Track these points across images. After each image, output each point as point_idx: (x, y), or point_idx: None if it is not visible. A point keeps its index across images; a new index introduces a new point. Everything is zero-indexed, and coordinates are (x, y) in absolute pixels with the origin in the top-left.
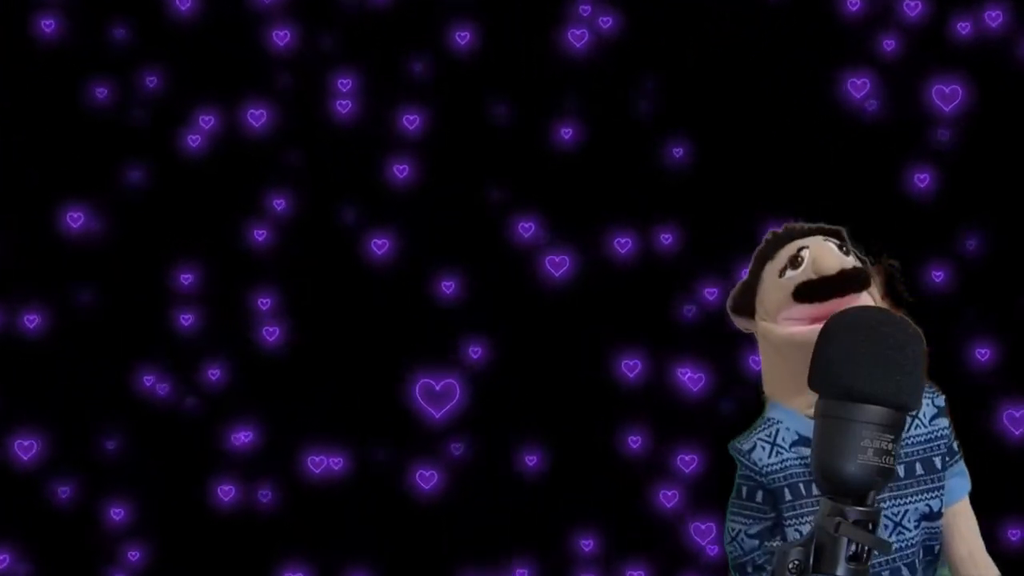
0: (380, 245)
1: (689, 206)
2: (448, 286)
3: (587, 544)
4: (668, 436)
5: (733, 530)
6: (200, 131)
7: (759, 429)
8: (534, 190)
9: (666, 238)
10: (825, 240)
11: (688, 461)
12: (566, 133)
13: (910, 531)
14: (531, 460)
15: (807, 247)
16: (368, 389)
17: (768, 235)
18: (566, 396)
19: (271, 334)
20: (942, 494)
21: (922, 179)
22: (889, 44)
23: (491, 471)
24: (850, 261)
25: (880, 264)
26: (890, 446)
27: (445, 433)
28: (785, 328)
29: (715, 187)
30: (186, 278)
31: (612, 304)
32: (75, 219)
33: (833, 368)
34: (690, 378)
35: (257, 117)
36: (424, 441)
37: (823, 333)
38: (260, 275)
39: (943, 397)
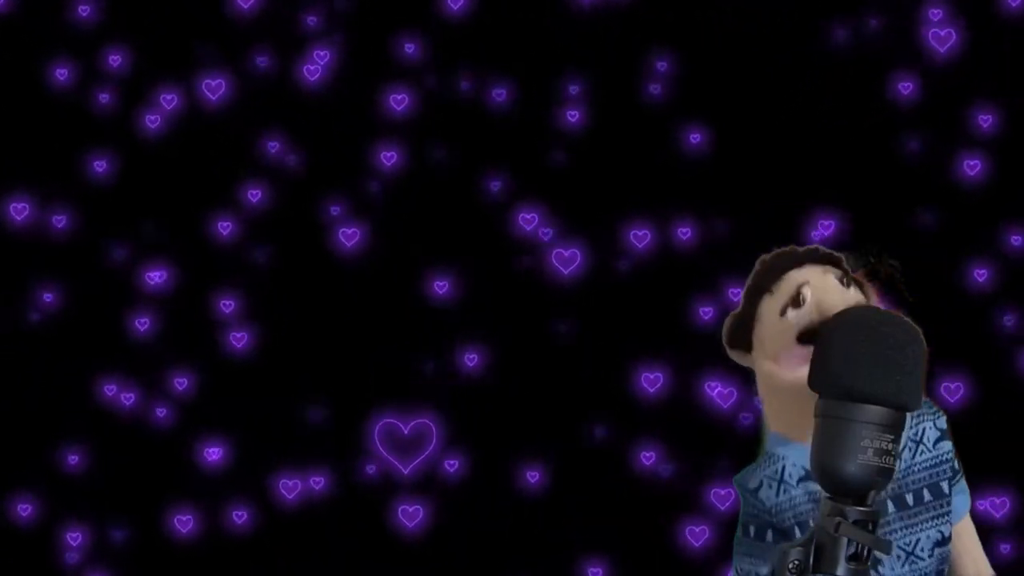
0: (364, 240)
1: (710, 197)
2: (441, 286)
3: (595, 574)
4: (696, 461)
5: (743, 570)
6: (162, 112)
7: (764, 465)
8: (537, 178)
9: (684, 232)
10: (825, 273)
11: (724, 496)
12: (572, 116)
13: (924, 560)
14: (533, 477)
15: (808, 283)
16: (351, 401)
17: (759, 263)
18: (575, 411)
19: (239, 340)
20: (950, 519)
21: (972, 166)
22: (936, 13)
23: (489, 492)
24: (852, 296)
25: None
26: (890, 446)
27: (437, 454)
28: (790, 371)
29: (739, 176)
30: (152, 277)
31: (630, 305)
32: (19, 211)
33: (833, 368)
34: (719, 393)
35: (223, 95)
36: (410, 462)
37: (823, 333)
38: (229, 273)
39: (944, 418)
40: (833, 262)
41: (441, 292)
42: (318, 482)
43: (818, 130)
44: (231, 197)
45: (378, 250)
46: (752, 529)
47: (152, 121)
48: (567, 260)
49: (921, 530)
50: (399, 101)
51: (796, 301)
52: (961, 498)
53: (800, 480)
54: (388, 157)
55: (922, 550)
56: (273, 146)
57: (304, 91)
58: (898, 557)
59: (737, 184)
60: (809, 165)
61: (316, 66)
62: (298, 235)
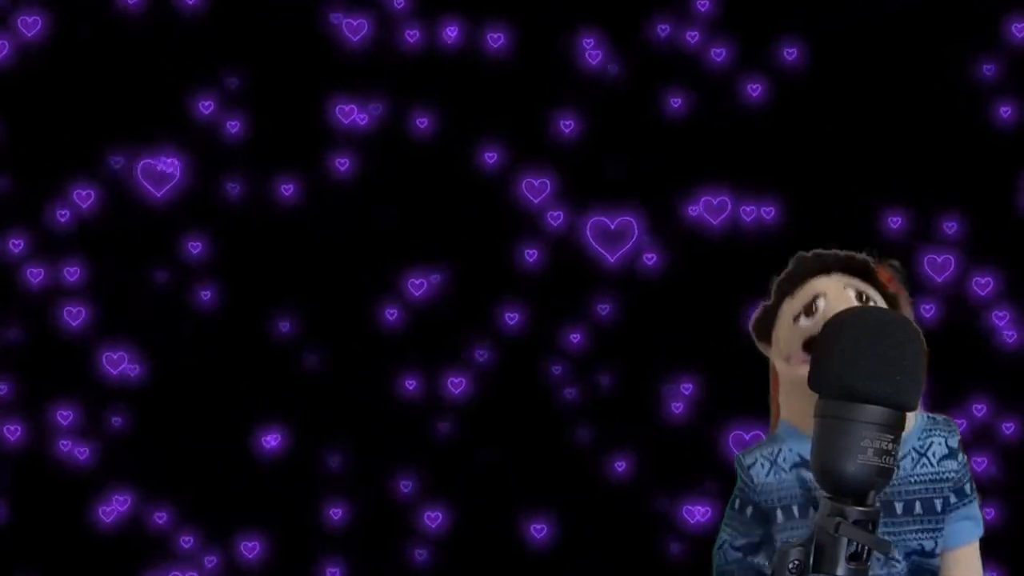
0: (319, 224)
1: (771, 167)
2: (418, 285)
3: None
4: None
5: (721, 539)
6: (22, 41)
7: (764, 445)
8: (544, 145)
9: (748, 211)
10: (845, 288)
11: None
12: (594, 57)
13: (900, 562)
14: (539, 531)
15: (825, 295)
16: (302, 436)
17: (793, 260)
18: (591, 446)
19: (115, 363)
20: (938, 536)
21: None
22: None
23: (483, 549)
24: None
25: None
26: (890, 446)
27: (415, 502)
28: (796, 369)
29: (801, 142)
30: (36, 273)
31: (661, 305)
32: None
33: (833, 368)
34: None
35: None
36: (385, 510)
37: (824, 333)
38: (145, 265)
39: (958, 438)
40: (860, 273)
41: (418, 294)
42: (251, 548)
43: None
44: (147, 169)
45: (337, 238)
46: (737, 502)
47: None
48: (612, 239)
49: (900, 538)
50: (356, 28)
51: (809, 310)
52: (966, 524)
53: (793, 466)
54: (345, 111)
55: (900, 554)
56: (207, 106)
57: (246, 37)
58: (877, 559)
59: (801, 154)
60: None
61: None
62: (234, 219)
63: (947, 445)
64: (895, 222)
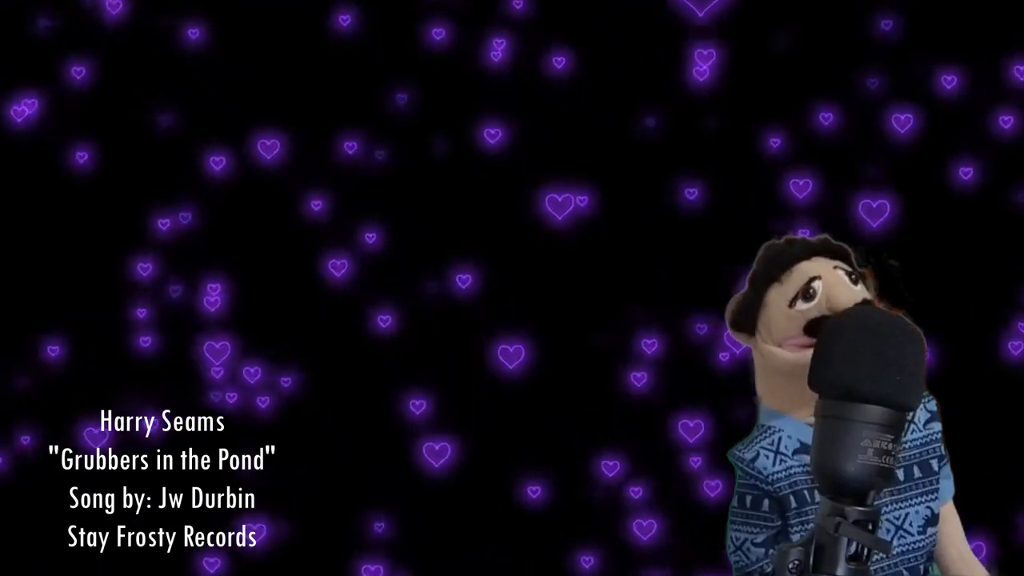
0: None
1: None
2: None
3: None
4: None
5: (738, 539)
6: None
7: (760, 437)
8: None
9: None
10: (835, 268)
11: None
12: None
13: (912, 535)
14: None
15: (820, 278)
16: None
17: (767, 248)
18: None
19: None
20: (938, 496)
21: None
22: None
23: None
24: (860, 293)
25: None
26: (890, 446)
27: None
28: (791, 353)
29: None
30: None
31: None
32: None
33: (834, 368)
34: None
35: None
36: None
37: (824, 333)
38: None
39: (935, 401)
40: (842, 256)
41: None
42: None
43: None
44: None
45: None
46: (748, 500)
47: None
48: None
49: (910, 505)
50: None
51: (807, 294)
52: (945, 483)
53: (795, 452)
54: None
55: (911, 525)
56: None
57: None
58: (887, 530)
59: None
60: None
61: None
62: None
63: (927, 409)
64: None
